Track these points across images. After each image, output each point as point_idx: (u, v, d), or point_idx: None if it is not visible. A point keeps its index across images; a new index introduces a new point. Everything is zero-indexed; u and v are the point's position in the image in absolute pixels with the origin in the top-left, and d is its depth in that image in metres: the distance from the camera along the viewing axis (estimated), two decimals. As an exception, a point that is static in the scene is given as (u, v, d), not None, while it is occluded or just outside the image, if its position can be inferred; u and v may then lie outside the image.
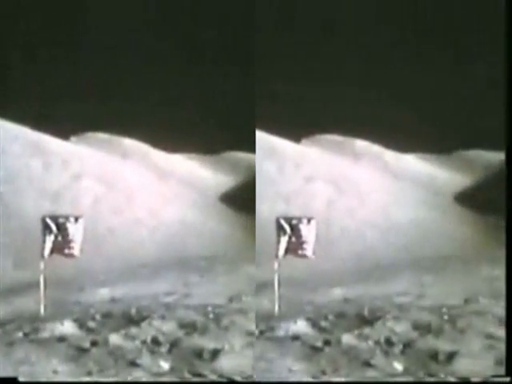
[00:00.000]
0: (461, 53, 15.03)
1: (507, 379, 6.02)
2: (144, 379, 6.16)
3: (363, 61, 15.17)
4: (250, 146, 12.64)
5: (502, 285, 8.42)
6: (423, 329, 7.24)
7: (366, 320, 7.57)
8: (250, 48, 13.14)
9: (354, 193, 13.34)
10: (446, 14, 15.26)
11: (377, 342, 6.89)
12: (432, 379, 6.09)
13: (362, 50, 15.28)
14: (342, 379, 6.08)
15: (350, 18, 15.50)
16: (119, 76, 15.11)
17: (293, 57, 14.89)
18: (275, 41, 14.05)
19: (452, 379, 6.04)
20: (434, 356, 6.50)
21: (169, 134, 14.66)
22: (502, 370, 6.14)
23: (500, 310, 7.64)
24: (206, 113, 14.97)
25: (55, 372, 6.21)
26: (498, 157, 13.97)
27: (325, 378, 6.12)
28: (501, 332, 6.95)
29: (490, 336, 6.87)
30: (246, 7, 13.49)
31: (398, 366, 6.30)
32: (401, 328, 7.26)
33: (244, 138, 12.75)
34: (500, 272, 9.46)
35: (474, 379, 5.93)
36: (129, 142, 15.50)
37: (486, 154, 14.60)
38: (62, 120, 14.85)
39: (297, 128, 14.29)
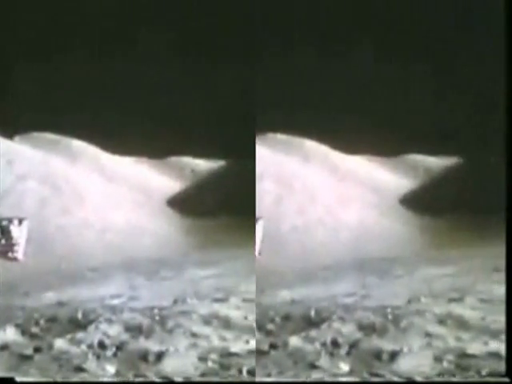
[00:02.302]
0: (418, 56, 15.22)
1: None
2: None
3: (317, 61, 15.27)
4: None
5: (441, 284, 8.72)
6: (368, 329, 7.36)
7: (312, 322, 7.66)
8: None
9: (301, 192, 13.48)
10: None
11: (323, 344, 6.97)
12: (377, 379, 6.21)
13: (318, 51, 15.37)
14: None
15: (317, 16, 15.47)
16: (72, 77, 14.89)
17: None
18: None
19: (396, 378, 6.18)
20: (378, 356, 6.62)
21: (118, 137, 14.53)
22: (439, 368, 6.29)
23: (439, 308, 7.87)
24: (160, 116, 14.88)
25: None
26: (437, 162, 14.43)
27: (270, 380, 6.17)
28: (439, 330, 7.16)
29: (428, 334, 7.06)
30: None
31: (344, 367, 6.39)
32: (346, 329, 7.37)
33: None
34: (438, 272, 9.78)
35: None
36: (77, 144, 15.28)
37: (427, 158, 15.01)
38: (7, 118, 14.54)
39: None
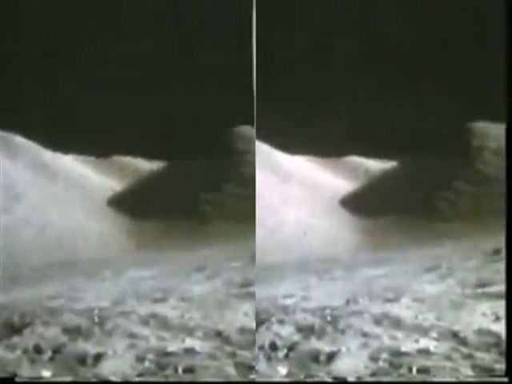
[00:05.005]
0: (364, 56, 15.26)
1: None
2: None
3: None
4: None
5: (378, 285, 8.91)
6: (307, 331, 7.44)
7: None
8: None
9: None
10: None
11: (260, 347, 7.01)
12: (313, 379, 6.32)
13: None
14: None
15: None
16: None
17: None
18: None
19: (329, 379, 6.30)
20: (315, 357, 6.72)
21: (60, 134, 14.25)
22: (375, 366, 6.44)
23: (375, 309, 8.05)
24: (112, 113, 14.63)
25: None
26: (376, 165, 14.72)
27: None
28: (375, 330, 7.33)
29: (365, 334, 7.21)
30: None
31: (282, 370, 6.46)
32: (284, 331, 7.44)
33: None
34: (376, 273, 10.01)
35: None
36: (19, 140, 14.94)
37: (367, 161, 15.25)
38: None
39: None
